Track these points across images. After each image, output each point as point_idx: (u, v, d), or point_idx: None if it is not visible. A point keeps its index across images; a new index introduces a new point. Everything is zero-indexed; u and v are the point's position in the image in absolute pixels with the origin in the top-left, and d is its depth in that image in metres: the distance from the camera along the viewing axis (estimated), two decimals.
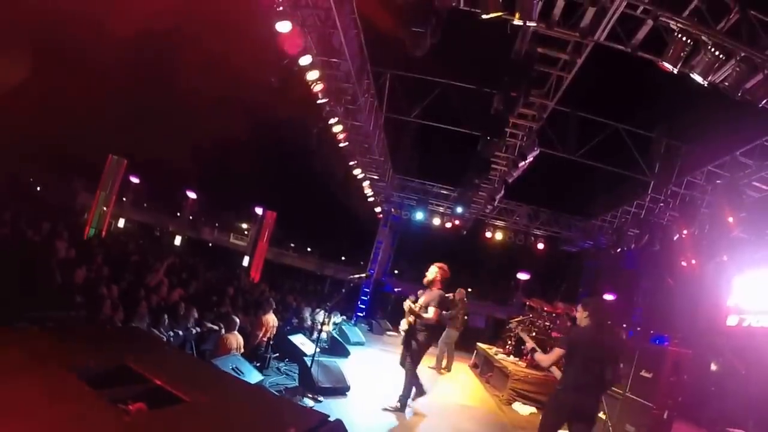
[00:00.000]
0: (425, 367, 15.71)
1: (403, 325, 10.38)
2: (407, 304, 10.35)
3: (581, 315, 7.40)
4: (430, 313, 9.97)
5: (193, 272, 17.31)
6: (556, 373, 7.53)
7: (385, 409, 10.17)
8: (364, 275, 11.35)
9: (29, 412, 2.78)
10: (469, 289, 16.30)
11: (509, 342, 16.62)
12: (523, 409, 12.55)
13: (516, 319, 17.44)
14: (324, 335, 13.71)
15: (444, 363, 15.89)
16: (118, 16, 14.58)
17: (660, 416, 9.51)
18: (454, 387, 14.57)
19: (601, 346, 6.98)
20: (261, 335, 12.58)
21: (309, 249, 61.36)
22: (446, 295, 10.39)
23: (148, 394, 3.49)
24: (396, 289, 20.14)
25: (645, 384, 10.10)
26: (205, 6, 13.33)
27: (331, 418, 4.02)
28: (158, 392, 3.57)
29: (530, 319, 16.86)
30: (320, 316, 14.89)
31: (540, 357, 7.74)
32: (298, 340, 12.68)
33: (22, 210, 16.64)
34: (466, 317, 16.68)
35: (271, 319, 13.16)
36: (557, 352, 7.19)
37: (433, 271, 10.44)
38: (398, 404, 10.30)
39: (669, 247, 18.14)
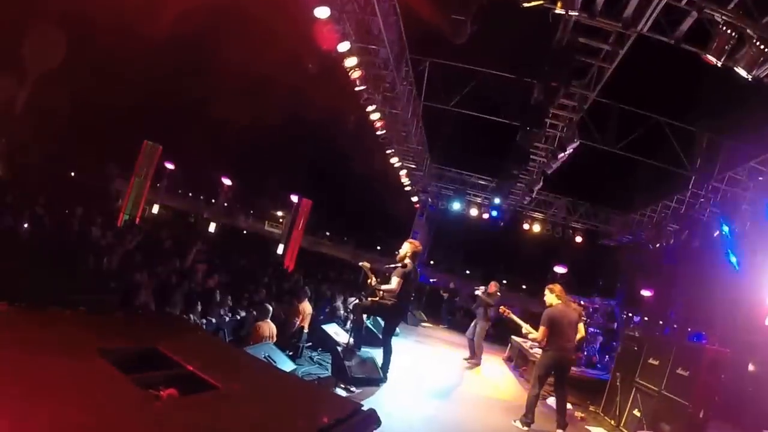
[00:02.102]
0: (461, 359, 15.59)
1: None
2: (365, 267, 10.83)
3: (549, 297, 10.14)
4: (393, 283, 10.26)
5: (227, 259, 17.32)
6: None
7: None
8: (399, 265, 11.25)
9: (57, 395, 2.72)
10: (504, 281, 16.10)
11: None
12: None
13: None
14: None
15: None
16: (155, 2, 14.65)
17: (696, 415, 9.30)
18: (488, 380, 14.37)
19: (570, 318, 9.92)
20: (298, 323, 12.49)
21: (345, 238, 61.17)
22: (409, 270, 10.47)
23: (179, 379, 3.42)
24: (431, 280, 20.01)
25: (681, 382, 9.86)
26: None
27: (365, 408, 3.95)
28: (190, 378, 3.50)
29: None
30: (353, 304, 14.82)
31: (533, 337, 10.52)
32: (332, 329, 12.65)
33: (57, 194, 16.72)
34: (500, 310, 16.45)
35: (307, 308, 13.05)
36: (543, 330, 9.79)
37: (405, 247, 10.84)
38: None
39: (709, 243, 17.87)
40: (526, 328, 11.15)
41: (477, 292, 16.02)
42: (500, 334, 18.73)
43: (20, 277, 6.96)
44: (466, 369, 14.89)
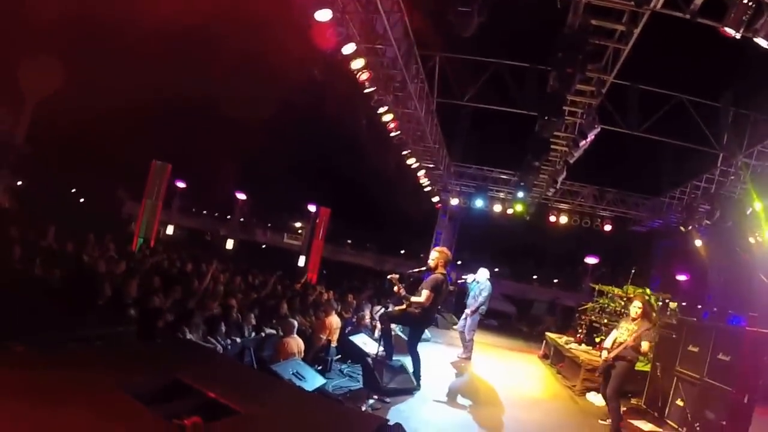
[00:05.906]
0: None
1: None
2: (394, 278, 10.52)
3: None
4: (423, 296, 10.10)
5: (248, 276, 17.10)
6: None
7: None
8: (424, 268, 10.99)
9: None
10: (535, 276, 15.73)
11: (580, 330, 16.13)
12: (598, 400, 12.02)
13: (586, 306, 16.96)
14: None
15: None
16: (160, 16, 14.49)
17: (740, 400, 9.01)
18: (525, 379, 14.25)
19: None
20: (325, 338, 12.25)
21: (366, 244, 60.43)
22: (441, 281, 10.34)
23: (202, 407, 3.50)
24: (459, 281, 19.65)
25: (723, 367, 9.62)
26: (243, 2, 13.10)
27: (391, 422, 4.10)
28: (212, 405, 3.59)
29: (600, 305, 16.31)
30: (380, 313, 14.56)
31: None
32: (360, 340, 12.53)
33: (66, 222, 16.44)
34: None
35: (335, 321, 12.92)
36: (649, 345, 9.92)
37: (433, 256, 10.72)
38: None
39: (743, 221, 17.45)
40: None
41: (467, 280, 15.74)
42: (535, 332, 18.47)
43: (34, 315, 6.71)
44: (496, 368, 14.59)
